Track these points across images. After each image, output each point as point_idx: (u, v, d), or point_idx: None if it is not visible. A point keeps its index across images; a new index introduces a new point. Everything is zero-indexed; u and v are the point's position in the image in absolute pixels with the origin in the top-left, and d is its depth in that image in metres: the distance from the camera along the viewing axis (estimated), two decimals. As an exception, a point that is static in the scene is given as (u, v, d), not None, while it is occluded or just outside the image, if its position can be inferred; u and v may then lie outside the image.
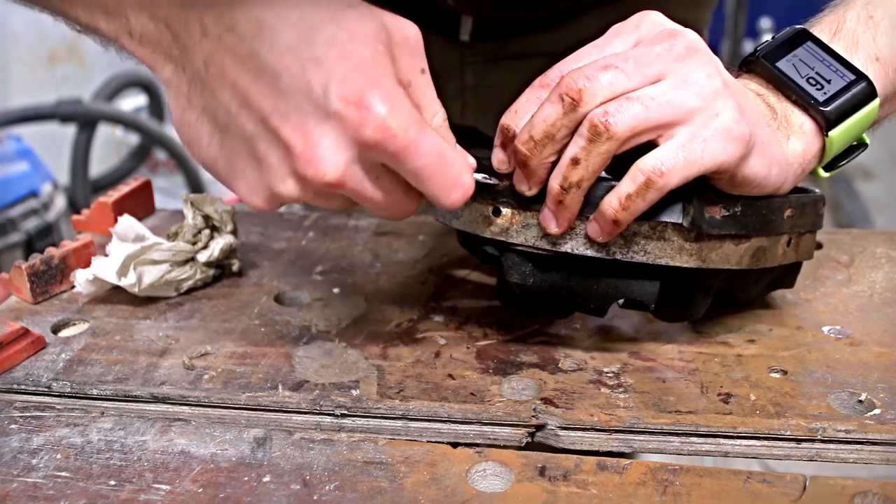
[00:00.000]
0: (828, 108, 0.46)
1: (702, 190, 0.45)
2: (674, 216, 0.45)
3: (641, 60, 0.43)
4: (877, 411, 0.45)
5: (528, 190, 0.45)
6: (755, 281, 0.52)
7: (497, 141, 0.46)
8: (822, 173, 0.49)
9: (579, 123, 0.42)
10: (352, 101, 0.38)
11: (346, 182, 0.41)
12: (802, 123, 0.47)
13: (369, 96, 0.39)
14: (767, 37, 0.51)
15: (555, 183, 0.44)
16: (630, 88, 0.42)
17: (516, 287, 0.48)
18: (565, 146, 0.44)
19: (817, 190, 0.52)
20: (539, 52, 0.76)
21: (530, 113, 0.44)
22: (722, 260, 0.46)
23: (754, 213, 0.46)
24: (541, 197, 0.46)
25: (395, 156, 0.40)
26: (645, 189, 0.42)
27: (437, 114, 0.44)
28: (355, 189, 0.42)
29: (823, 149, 0.48)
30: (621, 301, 0.49)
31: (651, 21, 0.46)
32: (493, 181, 0.47)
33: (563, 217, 0.45)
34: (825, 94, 0.47)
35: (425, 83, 0.43)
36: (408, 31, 0.42)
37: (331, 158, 0.40)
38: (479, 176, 0.46)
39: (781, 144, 0.46)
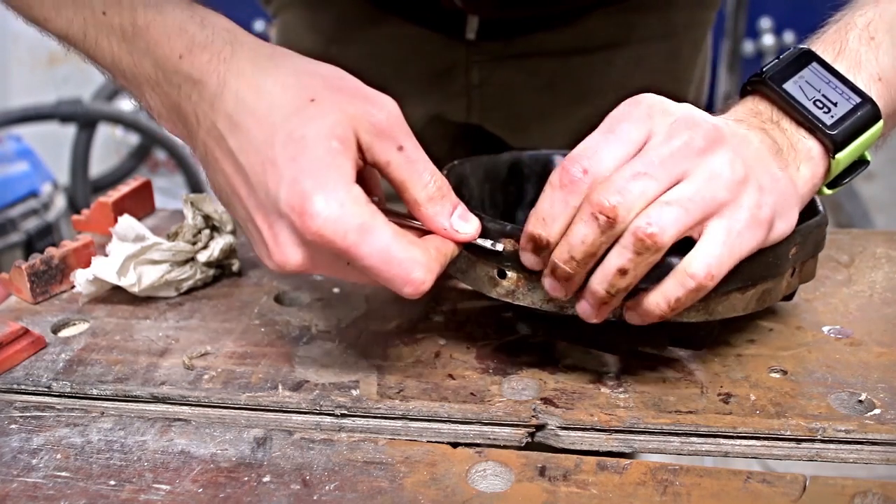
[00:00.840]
0: (835, 132, 0.46)
1: None
2: None
3: (666, 161, 0.42)
4: (877, 411, 0.45)
5: (565, 296, 0.45)
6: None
7: (528, 246, 0.44)
8: (826, 191, 0.50)
9: (619, 235, 0.42)
10: (295, 207, 0.41)
11: (312, 269, 0.44)
12: (810, 149, 0.47)
13: (310, 203, 0.41)
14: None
15: (600, 288, 0.43)
16: (660, 192, 0.42)
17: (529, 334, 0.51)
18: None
19: (820, 206, 0.51)
20: (544, 50, 0.76)
21: (559, 220, 0.43)
22: (728, 310, 0.46)
23: (760, 263, 0.45)
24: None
25: (342, 254, 0.42)
26: (696, 293, 0.42)
27: (427, 185, 0.44)
28: (329, 273, 0.45)
29: (829, 170, 0.48)
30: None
31: (659, 109, 0.44)
32: (499, 247, 0.46)
33: (594, 305, 0.45)
34: (832, 117, 0.47)
35: (405, 159, 0.44)
36: (377, 116, 0.43)
37: (290, 252, 0.43)
38: (486, 242, 0.46)
39: (792, 180, 0.46)
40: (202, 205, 0.61)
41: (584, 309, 0.44)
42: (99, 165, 2.36)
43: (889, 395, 0.46)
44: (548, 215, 0.43)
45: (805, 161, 0.47)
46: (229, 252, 0.61)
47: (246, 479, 0.41)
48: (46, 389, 0.49)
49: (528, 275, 0.46)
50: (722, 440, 0.44)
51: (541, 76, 0.77)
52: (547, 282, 0.45)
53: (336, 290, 0.60)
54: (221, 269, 0.62)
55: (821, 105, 0.47)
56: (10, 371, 0.50)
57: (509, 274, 0.46)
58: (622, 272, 0.42)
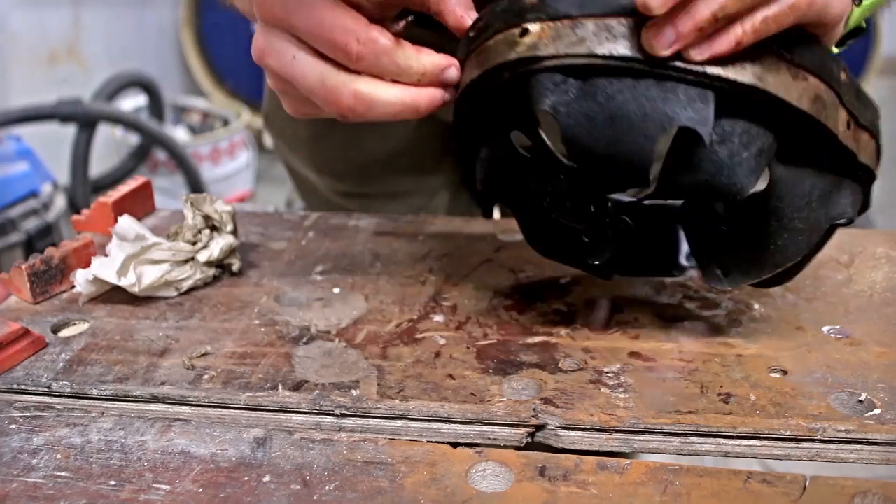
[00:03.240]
0: None
1: None
2: None
3: None
4: (877, 411, 0.45)
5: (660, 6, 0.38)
6: (809, 194, 0.47)
7: None
8: (834, 49, 0.48)
9: None
10: None
11: (267, 53, 0.46)
12: None
13: None
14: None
15: (707, 10, 0.39)
16: None
17: (552, 115, 0.42)
18: None
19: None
20: None
21: None
22: (779, 86, 0.42)
23: (807, 46, 0.42)
24: (572, 4, 0.41)
25: (284, 27, 0.45)
26: (791, 12, 0.39)
27: None
28: (278, 70, 0.46)
29: (848, 18, 0.46)
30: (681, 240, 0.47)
31: None
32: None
33: (673, 31, 0.39)
34: None
35: None
36: None
37: (256, 40, 0.47)
38: None
39: None
40: (202, 205, 0.61)
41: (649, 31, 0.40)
42: (99, 165, 2.36)
43: (889, 395, 0.46)
44: None
45: None
46: (229, 252, 0.61)
47: (246, 479, 0.41)
48: (46, 389, 0.49)
49: (553, 21, 0.41)
50: (722, 440, 0.44)
51: None
52: (664, 33, 0.39)
53: (336, 290, 0.60)
54: (221, 269, 0.62)
55: None
56: (10, 371, 0.50)
57: (531, 28, 0.42)
58: None
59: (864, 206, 0.50)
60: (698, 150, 0.42)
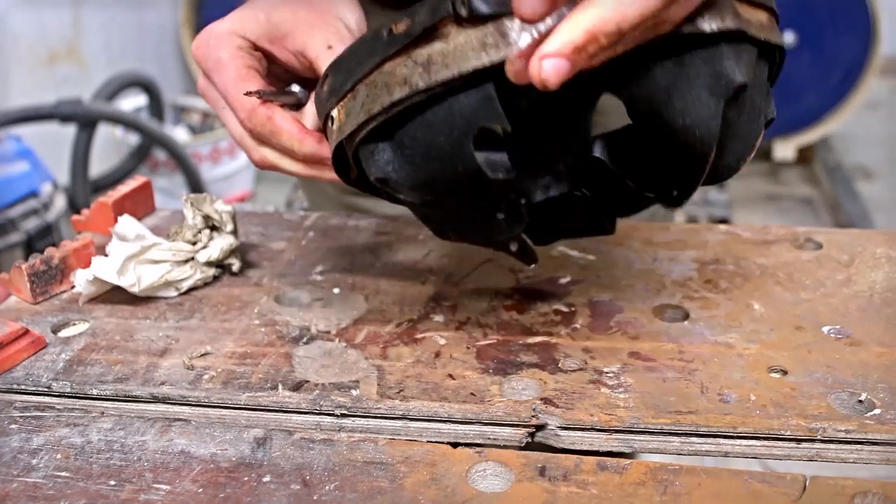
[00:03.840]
0: None
1: None
2: None
3: None
4: (877, 411, 0.45)
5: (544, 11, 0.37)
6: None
7: None
8: None
9: None
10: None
11: (206, 100, 0.54)
12: None
13: (201, 31, 0.53)
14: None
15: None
16: None
17: (386, 179, 0.44)
18: None
19: None
20: None
21: None
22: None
23: None
24: (346, 78, 0.43)
25: (208, 76, 0.53)
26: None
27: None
28: (211, 102, 0.53)
29: None
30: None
31: None
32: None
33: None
34: None
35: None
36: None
37: (199, 80, 0.54)
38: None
39: None
40: (202, 205, 0.61)
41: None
42: (99, 165, 2.36)
43: (889, 395, 0.46)
44: None
45: None
46: (229, 252, 0.61)
47: (246, 479, 0.41)
48: (46, 389, 0.49)
49: (342, 101, 0.44)
50: (722, 440, 0.44)
51: None
52: (552, 64, 0.37)
53: (336, 290, 0.60)
54: (221, 269, 0.62)
55: None
56: (10, 371, 0.50)
57: (333, 113, 0.45)
58: None
59: (773, 74, 0.47)
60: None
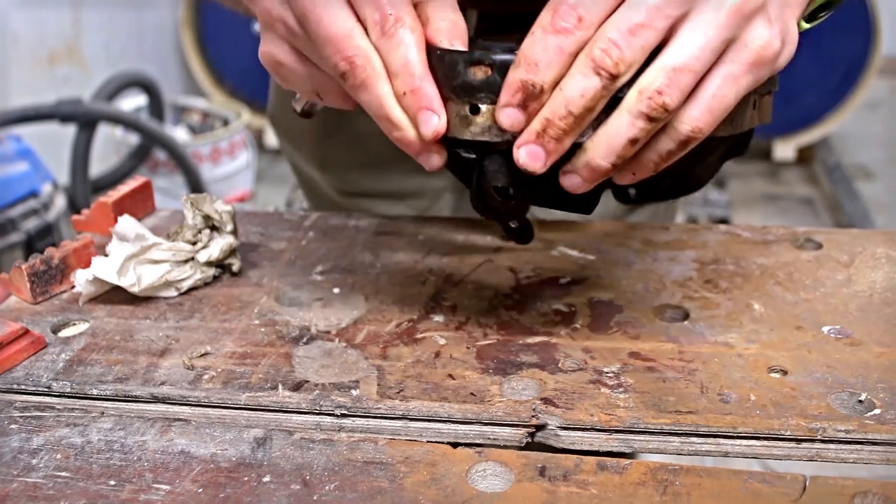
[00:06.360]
0: None
1: None
2: None
3: (661, 5, 0.39)
4: (877, 411, 0.45)
5: (544, 166, 0.41)
6: (713, 150, 0.48)
7: (515, 97, 0.41)
8: (805, 24, 0.48)
9: (618, 91, 0.40)
10: None
11: (270, 50, 0.47)
12: None
13: None
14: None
15: (605, 163, 0.41)
16: (659, 40, 0.40)
17: (498, 193, 0.45)
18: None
19: None
20: None
21: (553, 68, 0.40)
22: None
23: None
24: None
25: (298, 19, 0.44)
26: (686, 145, 0.41)
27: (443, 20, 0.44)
28: (282, 55, 0.46)
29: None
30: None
31: None
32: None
33: (589, 179, 0.43)
34: None
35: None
36: None
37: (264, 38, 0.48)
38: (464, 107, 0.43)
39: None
40: (202, 205, 0.61)
41: (574, 182, 0.43)
42: (99, 165, 2.36)
43: (889, 395, 0.46)
44: (541, 60, 0.40)
45: None
46: (229, 252, 0.61)
47: (246, 479, 0.41)
48: (46, 389, 0.49)
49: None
50: (722, 440, 0.44)
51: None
52: (526, 150, 0.41)
53: (336, 290, 0.60)
54: (221, 269, 0.62)
55: None
56: (10, 371, 0.50)
57: (482, 108, 0.42)
58: (633, 142, 0.40)
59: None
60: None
